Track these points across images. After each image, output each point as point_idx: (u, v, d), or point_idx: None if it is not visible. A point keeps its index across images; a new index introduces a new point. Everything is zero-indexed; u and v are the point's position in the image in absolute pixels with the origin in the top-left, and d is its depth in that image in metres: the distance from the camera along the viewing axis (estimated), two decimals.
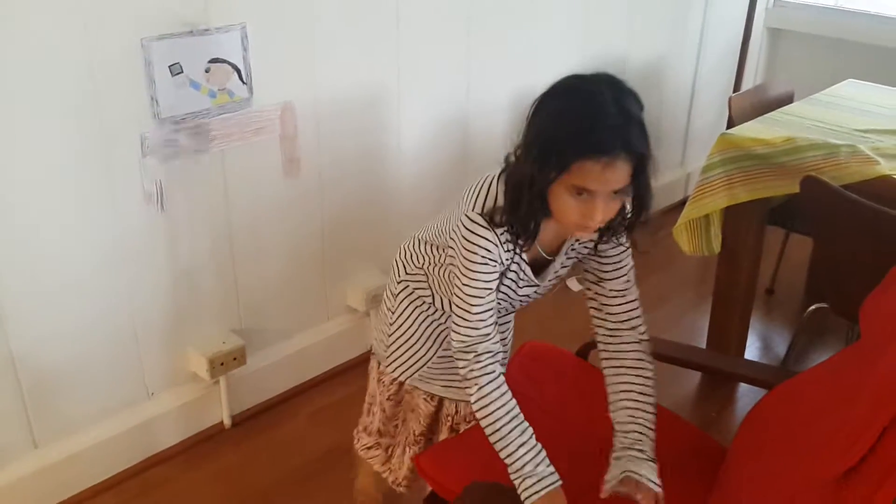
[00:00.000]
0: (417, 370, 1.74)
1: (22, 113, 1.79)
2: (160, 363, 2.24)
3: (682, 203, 2.61)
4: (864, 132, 2.43)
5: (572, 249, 1.53)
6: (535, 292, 1.57)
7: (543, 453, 1.41)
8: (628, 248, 1.53)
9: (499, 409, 1.41)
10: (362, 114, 2.48)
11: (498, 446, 1.41)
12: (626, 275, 1.54)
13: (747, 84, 3.84)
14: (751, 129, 2.44)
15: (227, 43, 2.07)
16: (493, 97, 2.86)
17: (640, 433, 1.46)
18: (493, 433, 1.41)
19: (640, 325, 1.56)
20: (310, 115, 2.33)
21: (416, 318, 1.71)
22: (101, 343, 2.10)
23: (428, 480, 1.63)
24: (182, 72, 2.01)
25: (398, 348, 1.75)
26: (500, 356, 1.47)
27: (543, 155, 1.27)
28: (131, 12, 1.88)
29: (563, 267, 1.56)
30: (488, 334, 1.44)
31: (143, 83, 1.95)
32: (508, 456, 1.40)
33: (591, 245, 1.53)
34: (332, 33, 2.30)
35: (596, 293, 1.56)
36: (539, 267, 1.52)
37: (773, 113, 2.65)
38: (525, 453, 1.39)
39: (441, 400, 1.77)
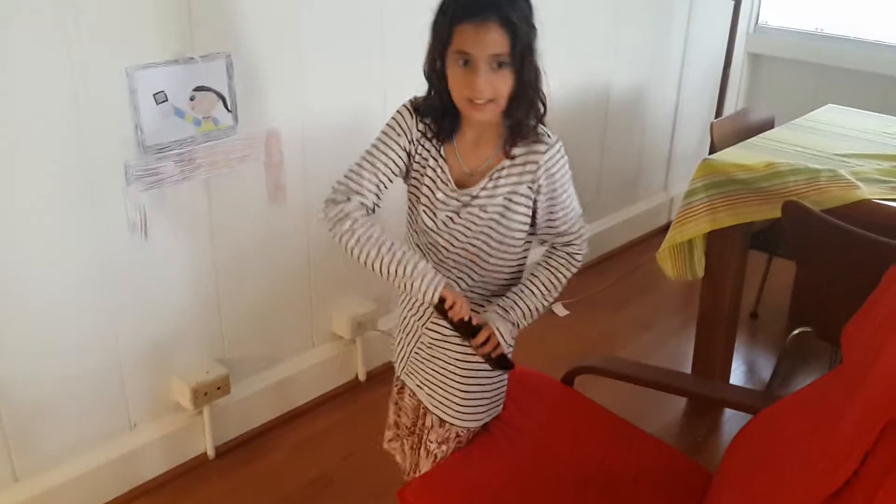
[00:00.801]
0: (403, 358, 1.77)
1: (5, 141, 1.78)
2: (143, 393, 2.22)
3: (666, 227, 2.63)
4: (844, 157, 2.46)
5: (499, 177, 1.54)
6: (458, 214, 1.56)
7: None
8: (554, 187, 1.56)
9: (371, 232, 1.54)
10: (349, 139, 2.48)
11: (385, 261, 1.51)
12: (565, 215, 1.61)
13: (729, 109, 3.88)
14: (732, 155, 2.47)
15: (212, 71, 2.08)
16: None
17: (515, 301, 1.60)
18: (376, 252, 1.52)
19: (574, 247, 1.66)
20: (296, 141, 2.33)
21: (402, 305, 1.76)
22: (84, 373, 2.08)
23: None
24: (167, 100, 2.01)
25: (395, 336, 1.80)
26: (367, 217, 1.59)
27: (435, 32, 1.47)
28: (116, 41, 1.88)
29: (489, 196, 1.54)
30: (362, 194, 1.58)
31: (128, 111, 1.95)
32: (399, 264, 1.50)
33: (517, 173, 1.53)
34: (317, 60, 2.31)
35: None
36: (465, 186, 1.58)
37: (754, 138, 2.68)
38: (416, 259, 1.52)
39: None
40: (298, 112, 2.32)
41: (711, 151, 2.69)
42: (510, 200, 1.55)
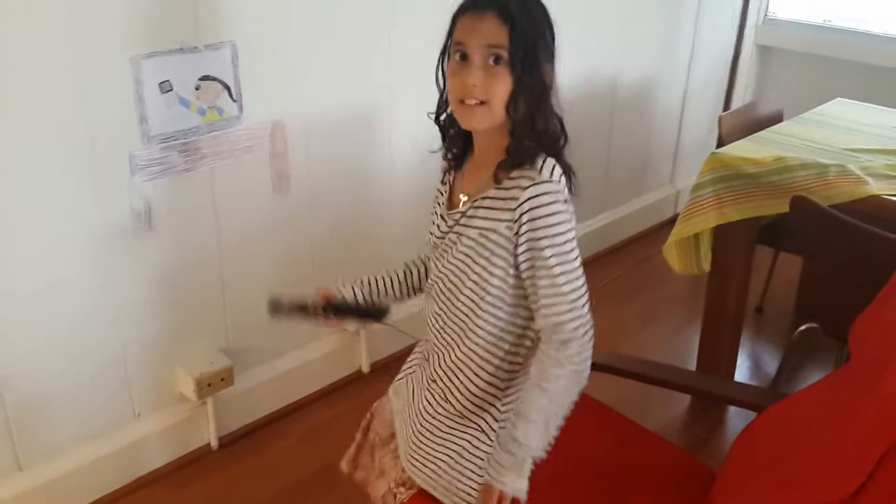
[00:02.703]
0: (401, 374, 1.69)
1: (9, 132, 1.77)
2: (147, 384, 2.22)
3: (672, 221, 2.61)
4: (853, 151, 2.44)
5: (479, 206, 1.34)
6: (445, 237, 1.42)
7: None
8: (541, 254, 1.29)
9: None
10: (353, 130, 2.47)
11: None
12: (551, 287, 1.30)
13: (737, 102, 3.86)
14: (741, 149, 2.45)
15: (217, 60, 2.07)
16: None
17: (514, 437, 1.33)
18: None
19: (563, 344, 1.31)
20: (300, 132, 2.32)
21: None
22: (87, 363, 2.08)
23: None
24: (171, 89, 2.00)
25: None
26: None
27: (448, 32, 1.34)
28: (120, 30, 1.87)
29: (464, 226, 1.36)
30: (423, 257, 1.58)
31: (132, 101, 1.94)
32: None
33: (498, 206, 1.32)
34: (324, 50, 2.30)
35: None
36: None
37: (762, 132, 2.66)
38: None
39: None
40: (304, 102, 2.30)
41: (719, 145, 2.67)
42: (486, 238, 1.33)
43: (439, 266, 1.43)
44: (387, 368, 2.77)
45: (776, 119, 2.93)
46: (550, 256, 1.28)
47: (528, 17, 1.29)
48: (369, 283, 1.61)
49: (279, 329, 2.48)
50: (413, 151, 2.67)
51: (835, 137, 2.58)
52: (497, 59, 1.27)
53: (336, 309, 1.53)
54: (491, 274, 1.34)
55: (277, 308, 1.51)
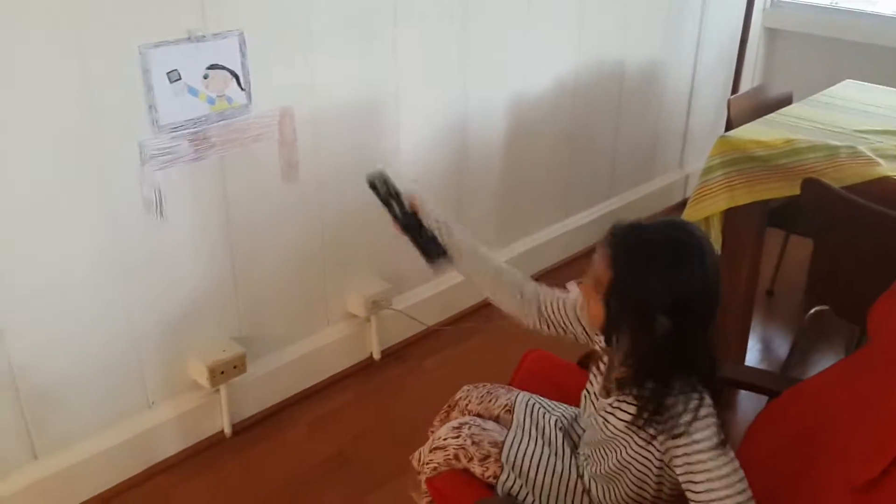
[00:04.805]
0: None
1: (19, 122, 1.78)
2: (160, 372, 2.23)
3: (681, 205, 2.61)
4: (863, 133, 2.43)
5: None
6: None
7: None
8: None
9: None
10: (361, 118, 2.47)
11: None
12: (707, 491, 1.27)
13: (745, 85, 3.83)
14: (750, 131, 2.44)
15: (225, 49, 2.07)
16: (491, 101, 2.86)
17: None
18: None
19: None
20: (308, 120, 2.32)
21: None
22: (101, 352, 2.09)
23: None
24: (180, 79, 2.00)
25: None
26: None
27: None
28: (128, 20, 1.87)
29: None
30: None
31: (141, 91, 1.94)
32: None
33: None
34: (330, 38, 2.30)
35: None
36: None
37: (771, 115, 2.64)
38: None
39: None
40: (312, 90, 2.30)
41: (728, 128, 2.66)
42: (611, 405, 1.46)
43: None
44: (397, 355, 2.78)
45: (785, 102, 2.91)
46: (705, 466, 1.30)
47: (632, 257, 1.34)
48: (457, 235, 1.64)
49: (290, 316, 2.51)
50: (419, 139, 2.66)
51: (844, 119, 2.57)
52: (597, 284, 1.38)
53: (410, 222, 1.62)
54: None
55: (375, 186, 1.60)
